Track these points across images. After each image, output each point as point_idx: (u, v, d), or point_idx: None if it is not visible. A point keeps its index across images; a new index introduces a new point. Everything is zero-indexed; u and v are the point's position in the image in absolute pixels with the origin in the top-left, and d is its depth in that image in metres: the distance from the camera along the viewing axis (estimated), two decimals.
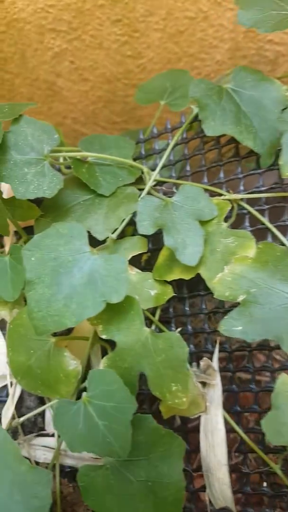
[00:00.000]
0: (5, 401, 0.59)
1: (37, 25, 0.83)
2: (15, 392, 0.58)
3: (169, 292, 0.54)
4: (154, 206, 0.53)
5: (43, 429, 0.57)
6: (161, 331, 0.53)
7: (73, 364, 0.52)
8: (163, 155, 0.62)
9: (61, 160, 0.63)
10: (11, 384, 0.58)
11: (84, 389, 0.54)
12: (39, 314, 0.46)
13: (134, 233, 0.62)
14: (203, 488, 0.53)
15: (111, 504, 0.46)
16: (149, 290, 0.55)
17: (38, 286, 0.47)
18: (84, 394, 0.47)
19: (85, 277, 0.47)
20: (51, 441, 0.56)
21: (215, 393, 0.49)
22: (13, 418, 0.55)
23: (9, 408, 0.56)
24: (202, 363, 0.50)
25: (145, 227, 0.52)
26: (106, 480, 0.47)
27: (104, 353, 0.60)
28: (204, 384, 0.49)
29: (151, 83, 0.70)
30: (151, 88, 0.69)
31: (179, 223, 0.51)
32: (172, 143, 0.58)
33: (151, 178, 0.56)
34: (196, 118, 0.60)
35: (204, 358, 0.50)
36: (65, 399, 0.46)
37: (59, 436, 0.56)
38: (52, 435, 0.57)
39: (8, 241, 0.64)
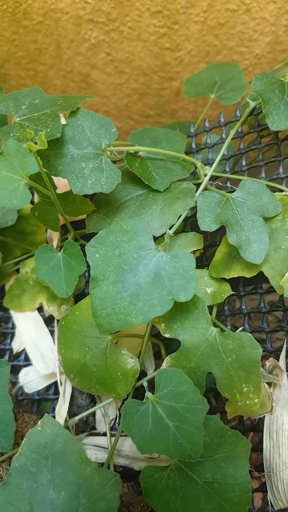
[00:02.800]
0: (52, 399, 0.58)
1: (74, 15, 0.81)
2: (65, 390, 0.57)
3: (227, 290, 0.53)
4: (215, 202, 0.52)
5: (94, 428, 0.56)
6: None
7: (131, 362, 0.51)
8: (215, 149, 0.61)
9: (108, 153, 0.61)
10: (61, 382, 0.57)
11: (139, 388, 0.53)
12: (104, 312, 0.45)
13: (185, 229, 0.61)
14: (261, 489, 0.52)
15: (175, 506, 0.46)
16: (205, 287, 0.54)
17: (102, 283, 0.46)
18: (148, 394, 0.46)
19: (151, 275, 0.46)
20: (102, 441, 0.55)
21: (281, 394, 0.48)
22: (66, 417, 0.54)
23: (62, 407, 0.55)
24: (268, 363, 0.48)
25: (207, 223, 0.51)
26: (170, 481, 0.46)
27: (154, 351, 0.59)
28: (269, 384, 0.48)
29: (199, 76, 0.68)
30: (199, 81, 0.67)
31: (242, 220, 0.50)
32: (229, 137, 0.57)
33: (209, 173, 0.54)
34: (252, 112, 0.59)
35: (271, 358, 0.49)
36: (132, 399, 0.44)
37: (112, 436, 0.55)
38: (103, 434, 0.56)
39: (55, 236, 0.62)
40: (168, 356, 0.48)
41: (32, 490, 0.42)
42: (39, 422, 0.44)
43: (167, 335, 0.48)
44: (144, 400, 0.45)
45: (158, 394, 0.43)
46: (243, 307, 0.55)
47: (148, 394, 0.45)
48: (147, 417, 0.43)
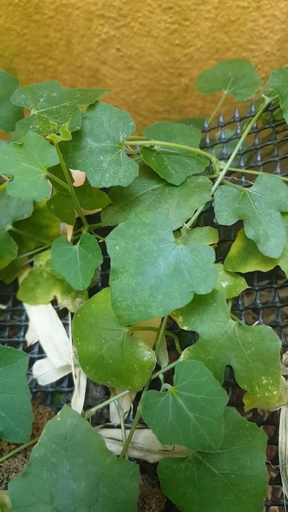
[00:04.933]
0: (66, 392, 0.59)
1: (86, 10, 0.81)
2: (80, 383, 0.57)
3: (242, 285, 0.53)
4: (233, 196, 0.52)
5: (108, 420, 0.57)
6: None
7: (148, 354, 0.51)
8: (229, 144, 0.61)
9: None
10: (75, 375, 0.57)
11: (153, 381, 0.53)
12: (124, 303, 0.45)
13: (198, 223, 0.61)
14: (275, 481, 0.52)
15: (192, 497, 0.46)
16: (220, 282, 0.55)
17: (122, 275, 0.46)
18: (166, 385, 0.46)
19: (171, 267, 0.46)
20: (117, 433, 0.56)
21: None
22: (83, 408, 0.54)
23: (78, 399, 0.55)
24: (284, 356, 0.49)
25: (225, 217, 0.51)
26: (188, 473, 0.46)
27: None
28: (286, 377, 0.49)
29: (212, 72, 0.69)
30: (213, 77, 0.68)
31: (260, 214, 0.51)
32: (245, 132, 0.57)
33: (225, 167, 0.55)
34: (267, 108, 0.59)
35: (287, 351, 0.49)
36: (152, 390, 0.45)
37: (126, 428, 0.55)
38: (117, 427, 0.56)
39: (69, 230, 0.62)
40: (186, 349, 0.48)
41: (52, 480, 0.42)
42: (58, 413, 0.44)
43: (185, 328, 0.49)
44: (162, 391, 0.45)
45: (178, 385, 0.44)
46: (257, 301, 0.55)
47: (167, 385, 0.46)
48: (167, 408, 0.43)
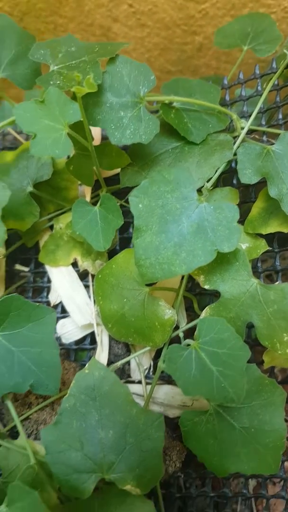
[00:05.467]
0: (88, 349, 0.60)
1: None
2: (102, 340, 0.58)
3: (263, 246, 0.54)
4: (256, 154, 0.51)
5: (130, 376, 0.58)
6: None
7: (169, 313, 0.52)
8: (250, 102, 0.60)
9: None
10: (97, 333, 0.59)
11: (173, 340, 0.54)
12: (147, 261, 0.46)
13: (218, 184, 0.61)
14: None
15: (213, 449, 0.48)
16: (240, 243, 0.55)
17: (146, 233, 0.46)
18: (189, 340, 0.47)
19: (194, 226, 0.46)
20: (138, 388, 0.57)
21: None
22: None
23: (101, 354, 0.56)
24: None
25: (248, 176, 0.50)
26: (209, 425, 0.48)
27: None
28: None
29: (230, 27, 0.66)
30: (231, 32, 0.65)
31: (283, 173, 0.50)
32: (267, 89, 0.55)
33: (246, 125, 0.54)
34: None
35: None
36: (176, 344, 0.46)
37: (147, 384, 0.57)
38: (138, 382, 0.58)
39: (88, 192, 0.62)
40: (207, 307, 0.49)
41: (81, 429, 0.44)
42: (86, 365, 0.45)
43: (206, 287, 0.49)
44: (184, 345, 0.46)
45: (200, 340, 0.45)
46: (277, 264, 0.55)
47: (189, 341, 0.47)
48: (190, 362, 0.44)
